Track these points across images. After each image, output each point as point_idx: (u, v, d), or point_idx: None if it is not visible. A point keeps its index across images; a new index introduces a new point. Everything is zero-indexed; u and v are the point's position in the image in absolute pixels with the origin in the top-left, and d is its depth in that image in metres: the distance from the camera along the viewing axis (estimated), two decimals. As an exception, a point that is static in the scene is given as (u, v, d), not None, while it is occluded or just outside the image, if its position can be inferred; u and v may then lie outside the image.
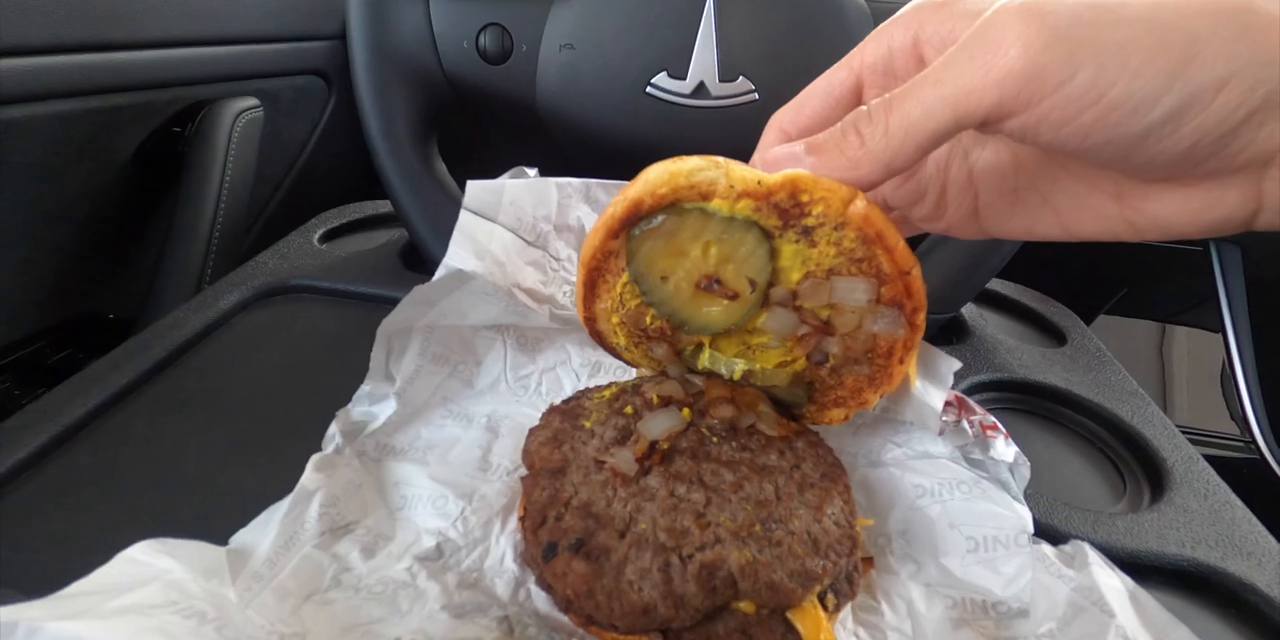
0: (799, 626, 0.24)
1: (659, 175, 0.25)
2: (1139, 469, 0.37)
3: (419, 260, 0.50)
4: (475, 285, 0.33)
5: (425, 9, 0.46)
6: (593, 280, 0.28)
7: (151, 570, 0.21)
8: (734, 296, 0.26)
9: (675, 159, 0.25)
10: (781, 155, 0.24)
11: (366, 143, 0.48)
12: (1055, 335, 0.48)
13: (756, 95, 0.44)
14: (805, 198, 0.23)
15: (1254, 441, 0.66)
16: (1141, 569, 0.30)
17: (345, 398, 0.34)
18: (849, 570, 0.26)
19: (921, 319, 0.26)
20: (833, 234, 0.24)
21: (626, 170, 0.43)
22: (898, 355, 0.27)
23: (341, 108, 0.85)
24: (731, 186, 0.24)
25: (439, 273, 0.33)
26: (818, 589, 0.24)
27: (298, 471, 0.29)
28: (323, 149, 0.85)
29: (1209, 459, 0.37)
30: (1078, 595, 0.25)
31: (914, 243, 0.42)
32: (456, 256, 0.33)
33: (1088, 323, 0.96)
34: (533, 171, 0.38)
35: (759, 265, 0.25)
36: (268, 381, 0.38)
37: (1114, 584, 0.25)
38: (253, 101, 0.70)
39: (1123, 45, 0.18)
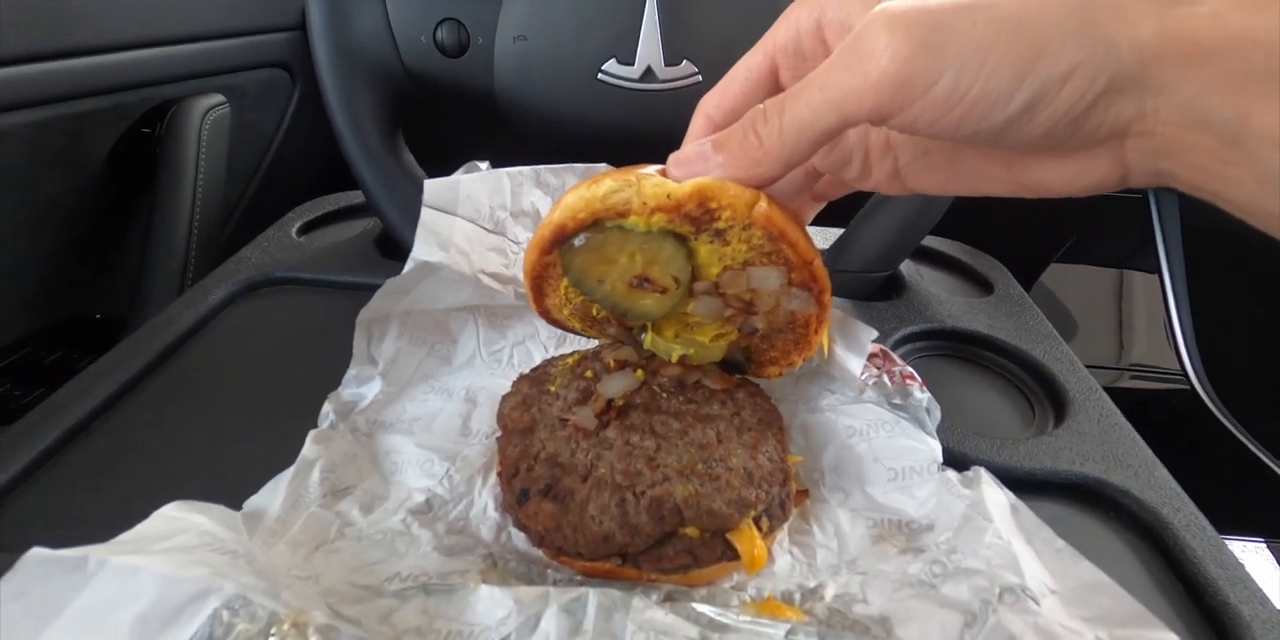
0: (737, 545, 0.28)
1: (575, 200, 0.27)
2: (1046, 399, 0.42)
3: (395, 248, 0.53)
4: (443, 274, 0.37)
5: (383, 6, 0.48)
6: (538, 286, 0.31)
7: (184, 523, 0.25)
8: (663, 290, 0.30)
9: (590, 181, 0.28)
10: (692, 155, 0.26)
11: (336, 137, 0.51)
12: (984, 285, 0.53)
13: (700, 78, 0.47)
14: (713, 204, 0.26)
15: (1186, 374, 0.72)
16: (1037, 484, 0.35)
17: (334, 380, 0.38)
18: (781, 498, 0.31)
19: (828, 298, 0.30)
20: (742, 233, 0.27)
21: (584, 153, 0.46)
22: (813, 327, 0.31)
23: (306, 98, 0.86)
24: (644, 204, 0.26)
25: (408, 266, 0.36)
26: (751, 514, 0.29)
27: (296, 447, 0.33)
28: (291, 140, 0.86)
29: (1153, 392, 0.41)
30: (970, 509, 0.30)
31: (854, 205, 0.46)
32: (422, 250, 0.37)
33: (1039, 272, 1.01)
34: (484, 164, 0.41)
35: (680, 265, 0.29)
36: (261, 369, 0.42)
37: (998, 498, 0.30)
38: (219, 98, 0.72)
39: (978, 48, 0.20)
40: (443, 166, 0.56)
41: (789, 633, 0.25)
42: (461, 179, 0.39)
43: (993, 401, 0.42)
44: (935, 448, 0.34)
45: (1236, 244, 0.75)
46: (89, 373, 0.40)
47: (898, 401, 0.36)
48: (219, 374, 0.41)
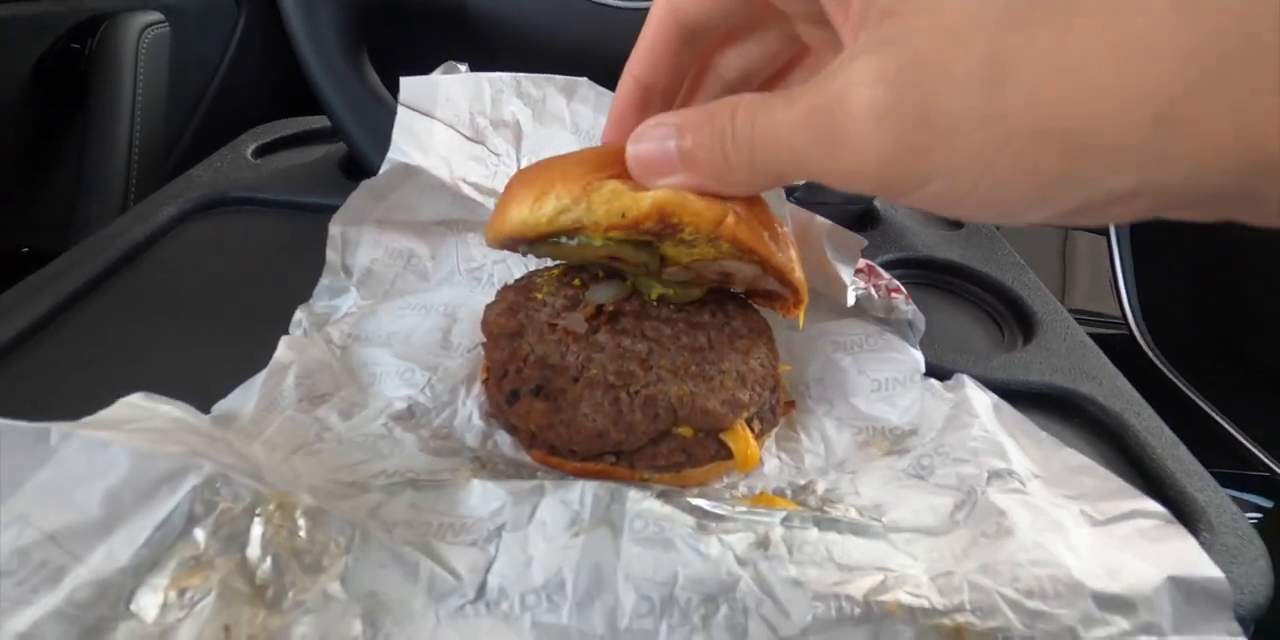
0: (730, 444, 0.28)
1: (520, 220, 0.25)
2: (1014, 322, 0.43)
3: (359, 171, 0.50)
4: (422, 179, 0.35)
5: None
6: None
7: (152, 411, 0.23)
8: (637, 267, 0.29)
9: (533, 196, 0.25)
10: (655, 158, 0.23)
11: (296, 54, 0.47)
12: (952, 221, 0.54)
13: (681, -5, 0.45)
14: (675, 220, 0.24)
15: (1126, 320, 0.76)
16: (1010, 394, 0.36)
17: (299, 298, 0.36)
18: (771, 403, 0.31)
19: (804, 294, 0.29)
20: (708, 242, 0.26)
21: (561, 74, 0.44)
22: (790, 304, 0.31)
23: (253, 28, 0.80)
24: (596, 223, 0.25)
25: (384, 167, 0.34)
26: (744, 415, 0.29)
27: (260, 363, 0.31)
28: (237, 71, 0.81)
29: (1094, 337, 0.43)
30: (954, 409, 0.31)
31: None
32: (400, 151, 0.35)
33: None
34: (463, 66, 0.39)
35: (646, 257, 0.28)
36: (220, 287, 0.39)
37: (982, 398, 0.31)
38: (157, 16, 0.66)
39: (978, 154, 0.16)
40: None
41: (784, 519, 0.25)
42: (441, 79, 0.37)
43: (965, 324, 0.43)
44: (918, 358, 0.34)
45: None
46: (28, 283, 0.37)
47: (882, 315, 0.37)
48: (173, 290, 0.39)
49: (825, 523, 0.25)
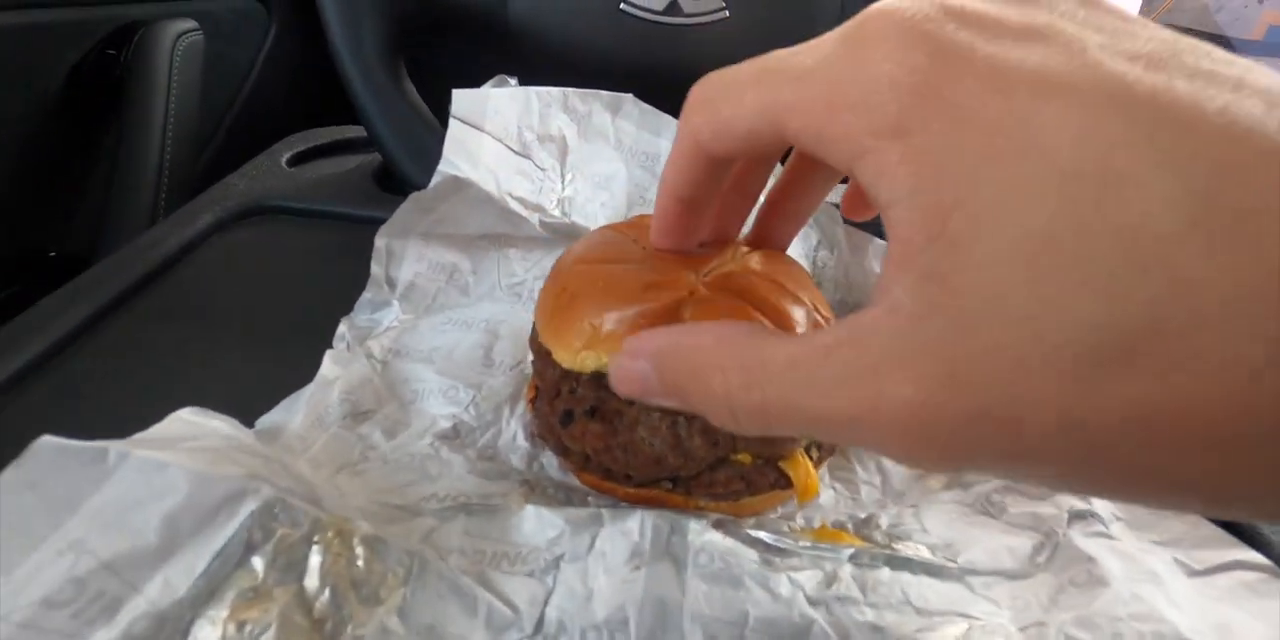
0: (789, 472, 0.27)
1: (567, 363, 0.26)
2: None
3: (394, 183, 0.50)
4: (471, 193, 0.34)
5: None
6: None
7: (204, 427, 0.22)
8: None
9: (578, 345, 0.26)
10: (634, 376, 0.20)
11: (335, 64, 0.47)
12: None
13: (727, 13, 0.45)
14: None
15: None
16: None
17: (337, 310, 0.35)
18: None
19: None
20: None
21: (600, 89, 0.44)
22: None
23: (284, 36, 0.81)
24: None
25: (435, 179, 0.34)
26: (804, 442, 0.28)
27: (301, 374, 0.30)
28: (267, 80, 0.81)
29: None
30: None
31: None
32: (450, 164, 0.34)
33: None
34: (513, 80, 0.39)
35: None
36: (259, 295, 0.39)
37: None
38: (192, 23, 0.67)
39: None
40: (448, 107, 0.53)
41: (852, 557, 0.24)
42: (491, 92, 0.37)
43: None
44: None
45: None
46: (68, 289, 0.36)
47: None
48: (213, 298, 0.38)
49: (896, 561, 0.24)
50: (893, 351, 0.14)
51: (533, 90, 0.39)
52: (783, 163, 0.26)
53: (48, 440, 0.18)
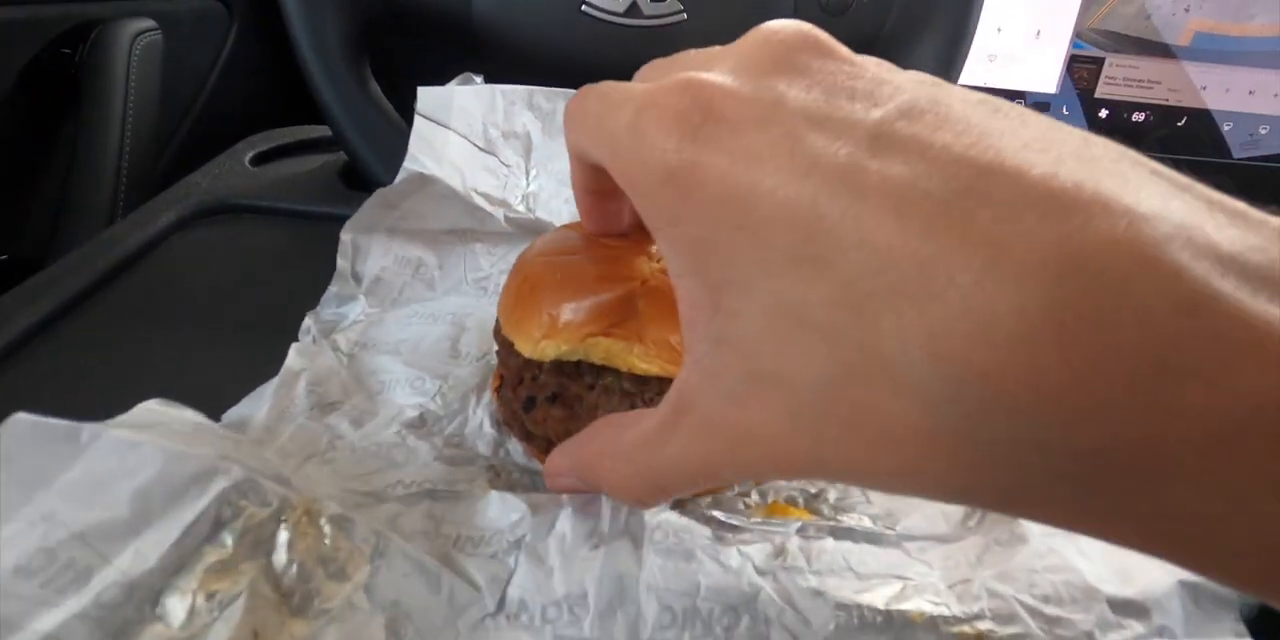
0: None
1: (530, 353, 0.28)
2: None
3: (359, 181, 0.50)
4: (436, 189, 0.35)
5: None
6: None
7: (172, 416, 0.23)
8: None
9: (538, 335, 0.27)
10: (568, 486, 0.26)
11: (298, 61, 0.47)
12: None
13: (685, 15, 0.47)
14: None
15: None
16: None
17: (302, 307, 0.36)
18: None
19: None
20: None
21: (569, 86, 0.45)
22: None
23: (245, 36, 0.80)
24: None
25: (400, 176, 0.35)
26: None
27: (267, 373, 0.31)
28: (227, 81, 0.80)
29: None
30: None
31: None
32: (416, 160, 0.35)
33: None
34: (479, 78, 0.40)
35: None
36: (223, 293, 0.39)
37: None
38: (150, 22, 0.66)
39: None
40: (413, 103, 0.53)
41: (799, 529, 0.26)
42: (456, 90, 0.38)
43: None
44: None
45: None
46: (22, 289, 0.36)
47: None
48: (173, 297, 0.38)
49: (840, 532, 0.26)
50: (710, 416, 0.17)
51: (498, 88, 0.40)
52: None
53: (21, 417, 0.18)
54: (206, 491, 0.19)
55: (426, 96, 0.37)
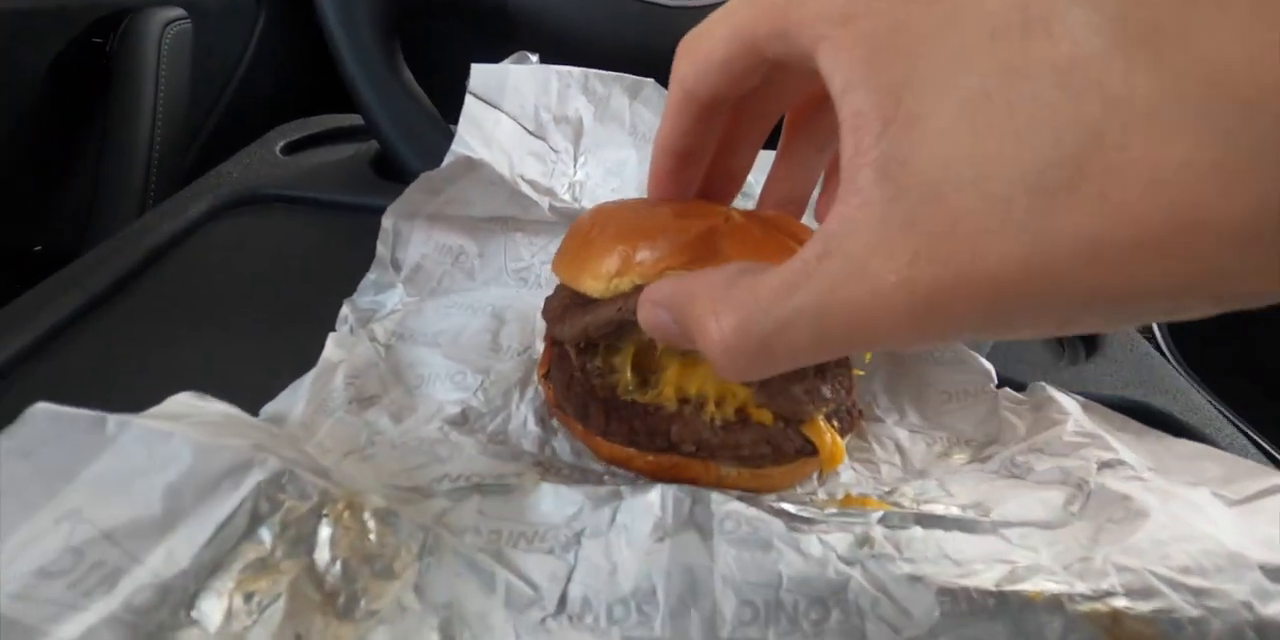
0: (815, 439, 0.26)
1: (597, 290, 0.25)
2: (1076, 334, 0.41)
3: (391, 170, 0.49)
4: (483, 174, 0.34)
5: None
6: None
7: (206, 409, 0.21)
8: None
9: (610, 273, 0.25)
10: (658, 323, 0.20)
11: (330, 47, 0.46)
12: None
13: (732, -3, 0.45)
14: None
15: (1153, 331, 0.75)
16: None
17: (336, 300, 0.34)
18: (848, 406, 0.29)
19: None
20: None
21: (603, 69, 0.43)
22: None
23: (274, 25, 0.79)
24: None
25: (447, 159, 0.33)
26: (825, 408, 0.27)
27: (301, 366, 0.29)
28: (255, 70, 0.80)
29: None
30: (1038, 414, 0.29)
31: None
32: (464, 143, 0.33)
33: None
34: (534, 57, 0.38)
35: None
36: (255, 285, 0.37)
37: (1068, 400, 0.29)
38: (179, 11, 0.65)
39: (1025, 320, 0.14)
40: (445, 92, 0.52)
41: (881, 519, 0.23)
42: (511, 69, 0.36)
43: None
44: (988, 368, 0.33)
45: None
46: (51, 282, 0.35)
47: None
48: (204, 289, 0.37)
49: (927, 520, 0.23)
50: (874, 245, 0.14)
51: (553, 68, 0.38)
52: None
53: (42, 407, 0.17)
54: (242, 484, 0.18)
55: (480, 74, 0.35)
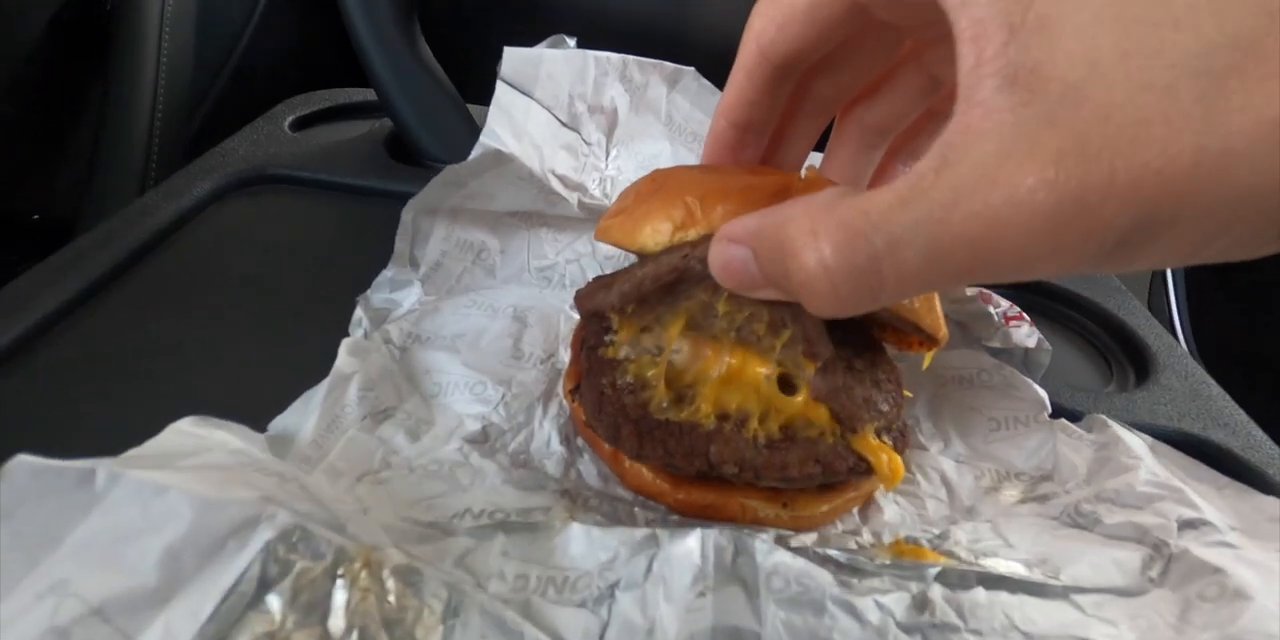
0: (870, 457, 0.24)
1: (657, 242, 0.23)
2: (1124, 356, 0.39)
3: (406, 151, 0.46)
4: (511, 168, 0.31)
5: None
6: None
7: (208, 441, 0.19)
8: None
9: (675, 223, 0.23)
10: (734, 265, 0.19)
11: (344, 20, 0.43)
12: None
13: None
14: None
15: (1176, 336, 0.73)
16: (1140, 440, 0.32)
17: (347, 290, 0.32)
18: (901, 424, 0.27)
19: (941, 342, 0.26)
20: None
21: (633, 52, 0.40)
22: (914, 342, 0.28)
23: (281, -9, 0.75)
24: None
25: (475, 151, 0.30)
26: (878, 423, 0.25)
27: (310, 360, 0.27)
28: (265, 37, 0.76)
29: None
30: (1101, 452, 0.27)
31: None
32: (493, 135, 0.30)
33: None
34: (572, 41, 0.35)
35: None
36: (262, 273, 0.35)
37: (1135, 440, 0.27)
38: (184, -30, 0.61)
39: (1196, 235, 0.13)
40: (466, 70, 0.49)
41: (939, 575, 0.22)
42: (545, 53, 0.33)
43: (1067, 356, 0.39)
44: (1042, 396, 0.31)
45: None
46: (48, 264, 0.32)
47: (998, 345, 0.33)
48: (211, 275, 0.34)
49: (990, 579, 0.22)
50: (1007, 149, 0.13)
51: (590, 54, 0.35)
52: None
53: (23, 460, 0.15)
54: (248, 545, 0.16)
55: (513, 59, 0.32)
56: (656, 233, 0.23)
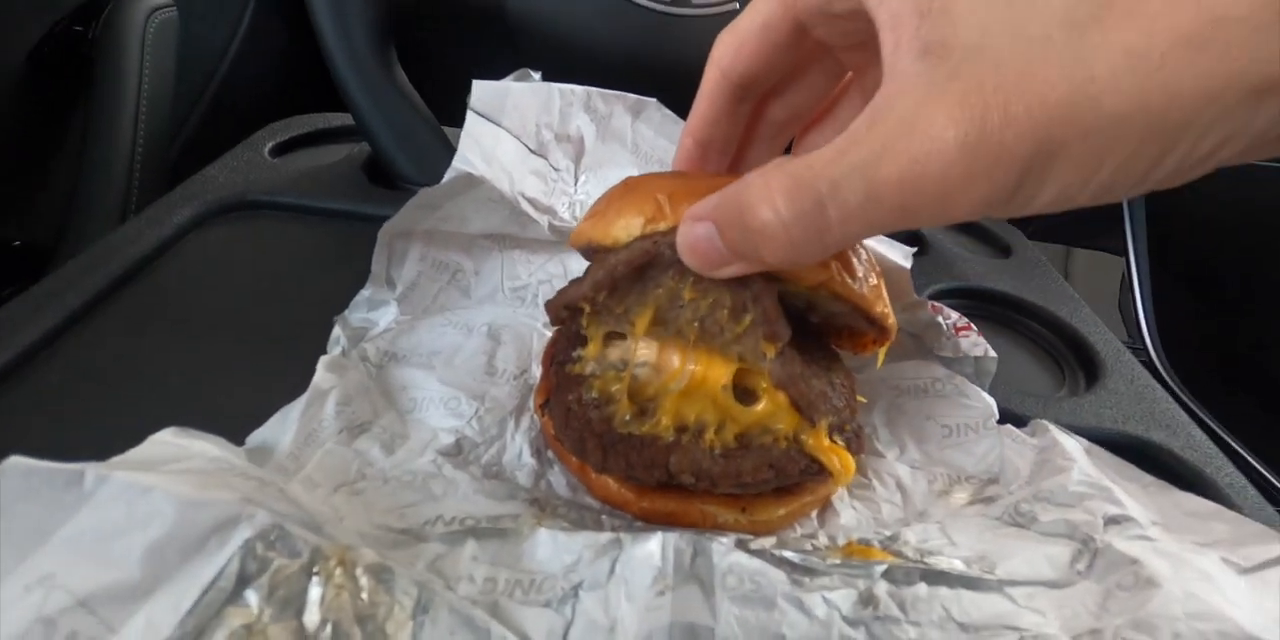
0: (821, 458, 0.26)
1: (630, 235, 0.25)
2: (1075, 362, 0.41)
3: (384, 175, 0.47)
4: (482, 191, 0.33)
5: None
6: None
7: (188, 450, 0.20)
8: None
9: (644, 218, 0.25)
10: (709, 253, 0.21)
11: (321, 48, 0.44)
12: (1001, 248, 0.52)
13: (738, 5, 0.44)
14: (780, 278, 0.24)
15: (1144, 346, 0.75)
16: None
17: (327, 313, 0.33)
18: (856, 427, 0.28)
19: (892, 337, 0.28)
20: (807, 290, 0.25)
21: (605, 85, 0.42)
22: (867, 341, 0.29)
23: (261, 17, 0.77)
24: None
25: (447, 175, 0.32)
26: (829, 420, 0.26)
27: (289, 383, 0.28)
28: (244, 63, 0.77)
29: None
30: (1042, 455, 0.29)
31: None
32: (464, 160, 0.32)
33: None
34: (537, 75, 0.37)
35: None
36: (243, 297, 0.36)
37: (1072, 444, 0.29)
38: (165, 0, 0.63)
39: (1087, 158, 0.15)
40: (442, 97, 0.50)
41: (885, 573, 0.23)
42: (512, 86, 0.35)
43: (1021, 361, 0.42)
44: (991, 403, 0.33)
45: (1196, 229, 0.79)
46: (34, 293, 0.33)
47: (948, 355, 0.35)
48: (193, 301, 0.35)
49: (932, 575, 0.23)
50: (922, 100, 0.16)
51: (555, 86, 0.37)
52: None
53: (15, 461, 0.16)
54: (228, 543, 0.17)
55: (482, 91, 0.34)
56: (629, 226, 0.25)
